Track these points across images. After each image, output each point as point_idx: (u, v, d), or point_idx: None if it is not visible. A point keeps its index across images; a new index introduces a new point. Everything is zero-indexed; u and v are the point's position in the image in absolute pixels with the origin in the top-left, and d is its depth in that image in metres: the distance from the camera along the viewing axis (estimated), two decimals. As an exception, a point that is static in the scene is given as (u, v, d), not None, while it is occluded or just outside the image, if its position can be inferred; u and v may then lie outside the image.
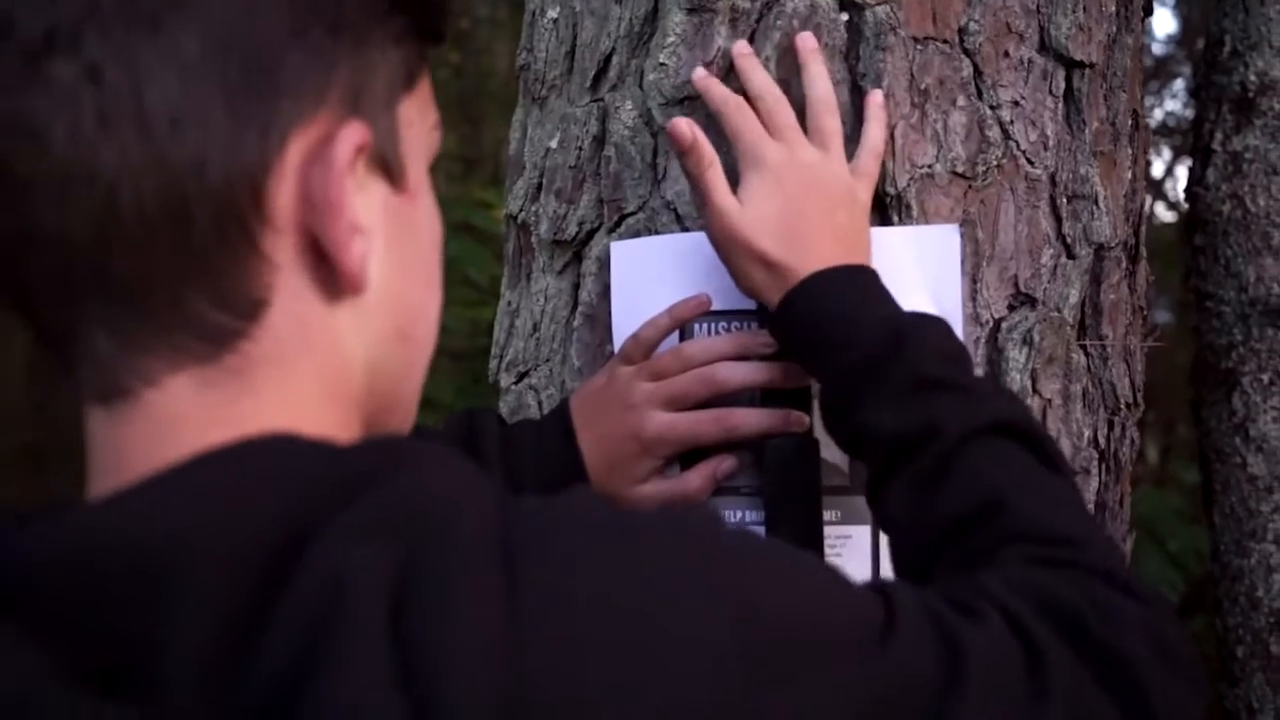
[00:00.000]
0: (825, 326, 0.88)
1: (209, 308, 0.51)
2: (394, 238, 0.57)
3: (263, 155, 0.51)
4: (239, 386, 0.52)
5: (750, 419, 0.96)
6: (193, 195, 0.49)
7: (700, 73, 1.00)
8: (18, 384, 4.34)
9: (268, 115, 0.51)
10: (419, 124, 0.59)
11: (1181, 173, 4.84)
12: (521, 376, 1.10)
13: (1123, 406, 1.08)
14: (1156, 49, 4.67)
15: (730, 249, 0.93)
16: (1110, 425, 1.08)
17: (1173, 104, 5.12)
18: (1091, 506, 1.05)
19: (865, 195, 0.97)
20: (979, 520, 0.75)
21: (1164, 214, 4.61)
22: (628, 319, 1.00)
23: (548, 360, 1.08)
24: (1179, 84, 4.91)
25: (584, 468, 0.96)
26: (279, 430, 0.51)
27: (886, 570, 0.97)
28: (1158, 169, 4.75)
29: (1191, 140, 1.59)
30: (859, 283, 0.90)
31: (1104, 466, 1.07)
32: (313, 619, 0.44)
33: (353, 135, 0.53)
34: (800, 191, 0.93)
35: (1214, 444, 1.49)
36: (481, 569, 0.47)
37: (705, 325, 1.00)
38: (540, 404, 1.07)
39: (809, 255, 0.91)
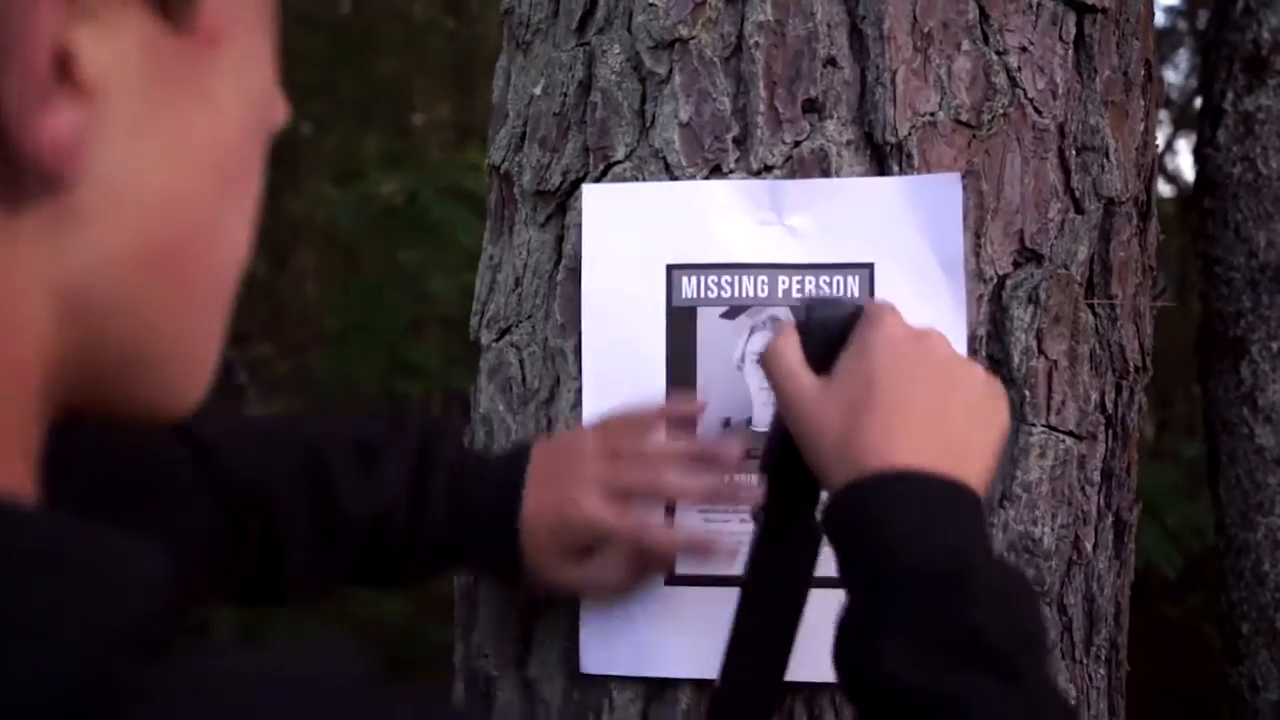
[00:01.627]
0: (876, 532, 0.69)
1: None
2: (157, 104, 0.36)
3: None
4: None
5: (670, 541, 0.90)
6: None
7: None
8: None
9: None
10: None
11: (1182, 145, 4.80)
12: (503, 333, 1.05)
13: (1131, 369, 1.03)
14: (1158, 19, 4.61)
15: (798, 432, 0.77)
16: (1118, 389, 1.03)
17: (1173, 75, 5.06)
18: (1098, 475, 1.01)
19: (1003, 410, 0.78)
20: None
21: (1162, 187, 4.56)
22: (599, 274, 0.96)
23: (530, 316, 1.03)
24: (1181, 56, 4.86)
25: (517, 531, 0.87)
26: None
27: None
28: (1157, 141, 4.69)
29: (1200, 103, 1.54)
30: (947, 499, 0.69)
31: (1111, 432, 1.03)
32: None
33: None
34: (910, 367, 0.74)
35: (1220, 414, 1.45)
36: None
37: (691, 277, 0.95)
38: (521, 362, 1.02)
39: (894, 446, 0.70)
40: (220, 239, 0.40)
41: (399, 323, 2.88)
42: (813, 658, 0.90)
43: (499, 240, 1.08)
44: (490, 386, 1.05)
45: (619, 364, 0.95)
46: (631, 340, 0.95)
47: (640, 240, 0.95)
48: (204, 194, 0.38)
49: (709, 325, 0.94)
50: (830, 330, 0.79)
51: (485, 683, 1.03)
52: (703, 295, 0.94)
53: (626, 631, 0.93)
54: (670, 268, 0.95)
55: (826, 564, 0.91)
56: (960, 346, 0.93)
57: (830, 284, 0.94)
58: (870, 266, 0.93)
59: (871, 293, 0.93)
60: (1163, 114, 4.68)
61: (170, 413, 0.41)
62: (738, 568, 0.92)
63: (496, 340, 1.05)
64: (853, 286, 0.93)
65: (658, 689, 0.95)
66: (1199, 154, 1.50)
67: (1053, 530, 0.98)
